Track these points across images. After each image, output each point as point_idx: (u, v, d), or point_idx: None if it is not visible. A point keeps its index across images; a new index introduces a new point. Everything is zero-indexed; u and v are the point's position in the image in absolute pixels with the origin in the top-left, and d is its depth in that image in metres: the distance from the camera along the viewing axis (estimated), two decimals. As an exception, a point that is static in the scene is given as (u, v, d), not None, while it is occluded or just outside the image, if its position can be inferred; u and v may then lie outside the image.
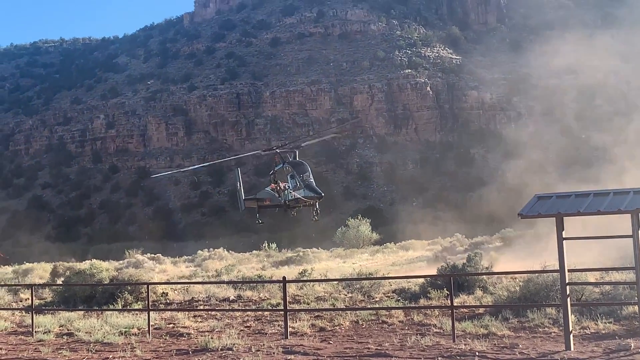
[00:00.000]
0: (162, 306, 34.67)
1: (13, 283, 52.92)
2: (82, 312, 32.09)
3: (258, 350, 21.31)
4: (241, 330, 26.56)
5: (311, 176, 40.87)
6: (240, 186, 46.20)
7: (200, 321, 29.36)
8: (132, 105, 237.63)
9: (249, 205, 43.15)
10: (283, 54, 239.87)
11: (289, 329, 24.62)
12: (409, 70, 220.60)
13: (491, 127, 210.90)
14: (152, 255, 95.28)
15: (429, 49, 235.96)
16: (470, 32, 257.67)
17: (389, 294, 34.51)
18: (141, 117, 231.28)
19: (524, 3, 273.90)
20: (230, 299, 36.31)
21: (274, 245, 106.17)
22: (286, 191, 39.62)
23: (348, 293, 35.95)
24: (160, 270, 69.45)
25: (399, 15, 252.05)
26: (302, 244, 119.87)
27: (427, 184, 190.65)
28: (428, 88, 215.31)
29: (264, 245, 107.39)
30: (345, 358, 20.14)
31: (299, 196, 39.08)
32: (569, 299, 19.74)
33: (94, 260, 62.10)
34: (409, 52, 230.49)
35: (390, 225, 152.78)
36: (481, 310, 27.58)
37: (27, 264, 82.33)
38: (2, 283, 51.03)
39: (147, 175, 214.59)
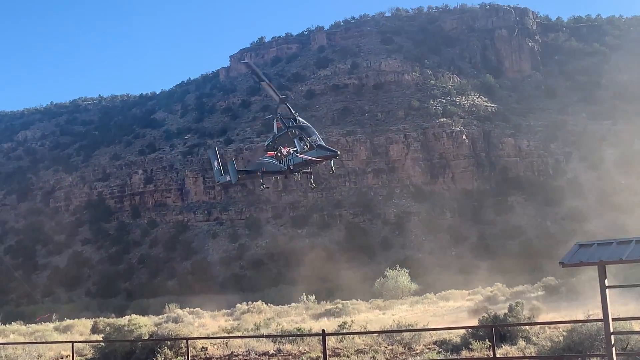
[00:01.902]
0: (201, 361, 34.50)
1: (54, 340, 53.15)
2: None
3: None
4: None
5: (319, 137, 40.62)
6: (219, 164, 45.98)
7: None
8: (170, 160, 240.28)
9: (244, 179, 42.97)
10: (318, 105, 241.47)
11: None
12: (444, 119, 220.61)
13: (529, 174, 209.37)
14: (191, 309, 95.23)
15: (464, 97, 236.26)
16: (505, 79, 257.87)
17: (430, 346, 34.05)
18: (179, 171, 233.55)
19: (559, 50, 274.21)
20: (270, 352, 36.09)
21: (312, 297, 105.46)
22: (290, 155, 39.33)
23: (388, 345, 35.54)
24: (199, 324, 69.34)
25: (432, 65, 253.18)
26: (340, 295, 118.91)
27: (466, 233, 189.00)
28: (464, 136, 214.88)
29: (302, 297, 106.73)
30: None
31: (311, 157, 38.76)
32: (614, 349, 19.31)
33: (133, 316, 62.15)
34: (444, 100, 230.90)
35: (429, 276, 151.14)
36: (525, 361, 27.06)
37: (68, 320, 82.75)
38: (44, 340, 51.27)
39: (185, 229, 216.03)
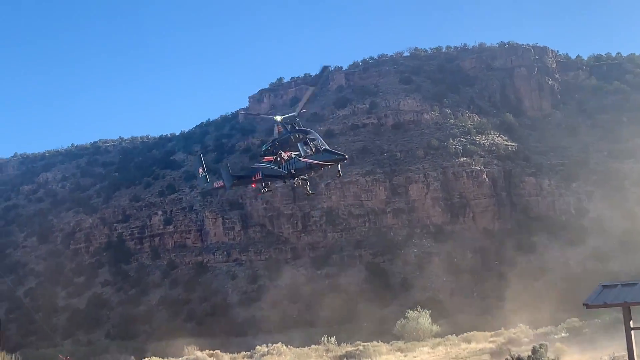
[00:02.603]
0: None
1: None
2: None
3: None
4: None
5: (324, 142, 39.93)
6: (204, 170, 45.25)
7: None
8: (189, 201, 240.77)
9: (238, 184, 42.12)
10: (337, 145, 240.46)
11: None
12: (464, 158, 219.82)
13: (551, 213, 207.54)
14: (211, 351, 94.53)
15: (484, 136, 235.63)
16: (525, 118, 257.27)
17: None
18: (198, 212, 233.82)
19: (579, 88, 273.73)
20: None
21: (333, 339, 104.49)
22: (292, 160, 38.48)
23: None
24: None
25: (452, 104, 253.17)
26: (361, 337, 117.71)
27: (488, 274, 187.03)
28: (484, 175, 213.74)
29: (323, 339, 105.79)
30: None
31: (317, 161, 37.94)
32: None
33: (153, 358, 61.52)
34: (464, 140, 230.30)
35: (451, 317, 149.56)
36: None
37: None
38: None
39: (204, 270, 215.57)
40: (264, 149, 41.96)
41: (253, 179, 41.96)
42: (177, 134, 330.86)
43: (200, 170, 46.20)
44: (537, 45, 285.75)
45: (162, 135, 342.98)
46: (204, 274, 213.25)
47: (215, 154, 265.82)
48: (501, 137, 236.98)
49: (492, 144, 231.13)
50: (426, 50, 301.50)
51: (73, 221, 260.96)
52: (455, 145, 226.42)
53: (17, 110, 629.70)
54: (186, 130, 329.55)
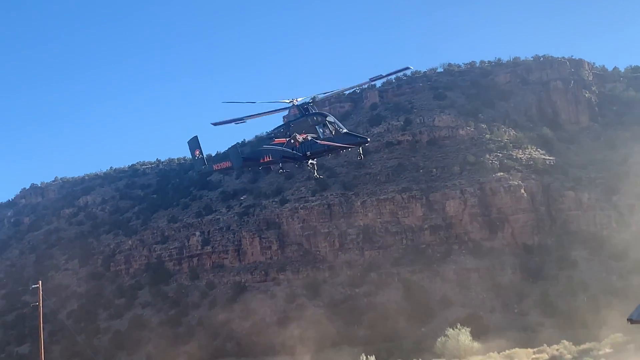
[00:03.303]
0: None
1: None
2: None
3: None
4: None
5: (342, 125, 39.42)
6: (200, 152, 44.65)
7: None
8: (227, 221, 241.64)
9: (247, 166, 41.41)
10: (372, 163, 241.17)
11: None
12: (502, 173, 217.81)
13: (591, 228, 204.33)
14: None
15: (521, 150, 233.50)
16: (563, 132, 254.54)
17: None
18: (235, 232, 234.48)
19: (616, 100, 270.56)
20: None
21: (372, 358, 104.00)
22: (308, 142, 37.88)
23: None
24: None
25: (487, 119, 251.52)
26: (401, 355, 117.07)
27: (528, 289, 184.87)
28: (522, 190, 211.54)
29: (362, 357, 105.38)
30: None
31: (337, 144, 37.39)
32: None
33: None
34: (500, 154, 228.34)
35: (491, 334, 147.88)
36: None
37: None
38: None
39: (243, 290, 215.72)
40: (275, 131, 41.46)
41: (261, 161, 41.57)
42: (213, 155, 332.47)
43: (197, 152, 45.63)
44: (573, 58, 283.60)
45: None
46: (243, 294, 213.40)
47: (251, 174, 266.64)
48: (538, 151, 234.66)
49: (530, 158, 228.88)
50: (459, 66, 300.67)
51: (113, 243, 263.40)
52: (491, 160, 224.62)
53: (57, 135, 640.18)
54: (222, 150, 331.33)
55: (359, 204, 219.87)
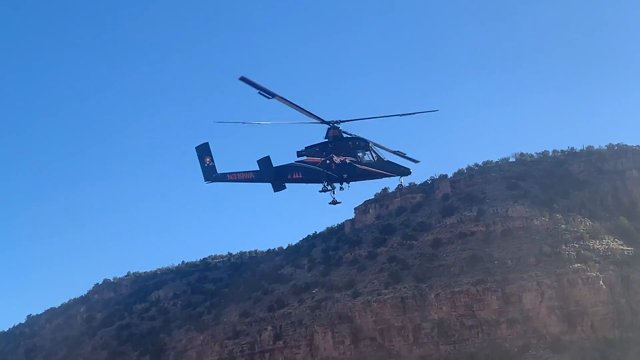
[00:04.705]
0: None
1: None
2: None
3: None
4: None
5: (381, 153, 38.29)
6: (211, 160, 42.57)
7: None
8: (299, 315, 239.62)
9: (275, 179, 39.47)
10: (445, 254, 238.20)
11: None
12: (579, 265, 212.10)
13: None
14: None
15: (598, 241, 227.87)
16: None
17: None
18: (307, 326, 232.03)
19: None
20: None
21: None
22: (346, 164, 36.66)
23: None
24: None
25: (562, 209, 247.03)
26: None
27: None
28: (601, 282, 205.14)
29: None
30: None
31: (379, 170, 36.19)
32: None
33: None
34: (577, 245, 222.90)
35: None
36: None
37: None
38: None
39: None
40: (308, 149, 40.41)
41: (289, 177, 40.47)
42: (284, 248, 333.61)
43: (208, 159, 43.89)
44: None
45: (269, 249, 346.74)
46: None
47: (323, 266, 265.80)
48: (616, 242, 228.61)
49: (607, 248, 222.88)
50: (532, 155, 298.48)
51: (184, 339, 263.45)
52: (568, 251, 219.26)
53: (130, 232, 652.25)
54: (293, 243, 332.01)
55: (432, 296, 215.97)
